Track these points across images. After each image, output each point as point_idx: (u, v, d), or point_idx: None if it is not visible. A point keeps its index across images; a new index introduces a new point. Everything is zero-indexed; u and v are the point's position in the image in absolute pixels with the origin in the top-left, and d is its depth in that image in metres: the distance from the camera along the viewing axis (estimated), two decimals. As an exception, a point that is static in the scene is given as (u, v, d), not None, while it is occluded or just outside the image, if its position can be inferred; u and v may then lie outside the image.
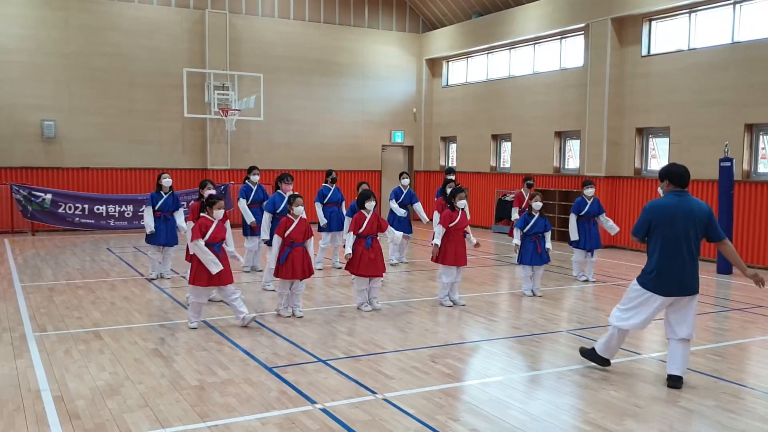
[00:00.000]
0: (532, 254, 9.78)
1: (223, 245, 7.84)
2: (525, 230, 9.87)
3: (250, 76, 18.90)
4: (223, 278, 7.59)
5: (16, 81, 16.88)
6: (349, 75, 20.99)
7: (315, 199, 12.08)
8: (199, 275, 7.54)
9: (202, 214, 7.79)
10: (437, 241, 8.89)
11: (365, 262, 8.56)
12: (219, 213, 7.72)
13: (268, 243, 9.93)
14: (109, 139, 17.89)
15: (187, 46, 18.66)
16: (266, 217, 9.89)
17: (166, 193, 10.70)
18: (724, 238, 5.95)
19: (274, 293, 9.80)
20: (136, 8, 18.08)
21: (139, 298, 9.49)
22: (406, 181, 12.82)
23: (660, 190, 6.04)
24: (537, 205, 9.88)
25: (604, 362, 6.34)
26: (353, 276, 8.82)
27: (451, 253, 8.86)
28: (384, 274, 8.98)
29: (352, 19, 21.05)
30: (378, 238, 8.86)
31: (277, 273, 8.17)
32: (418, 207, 12.82)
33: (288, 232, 8.07)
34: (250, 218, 10.94)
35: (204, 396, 5.55)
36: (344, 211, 11.66)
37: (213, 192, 8.97)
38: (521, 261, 9.94)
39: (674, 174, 5.87)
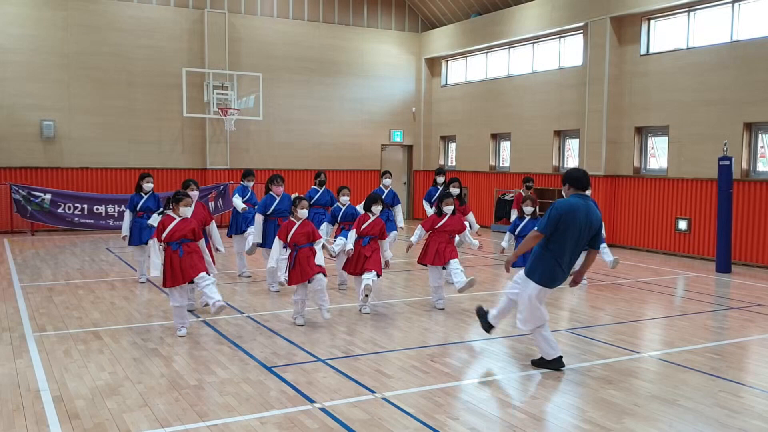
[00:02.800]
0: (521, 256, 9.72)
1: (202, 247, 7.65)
2: (516, 233, 9.81)
3: (249, 76, 18.91)
4: (186, 274, 7.28)
5: (16, 81, 16.88)
6: (349, 74, 20.99)
7: None
8: (167, 277, 7.28)
9: (167, 211, 7.55)
10: (414, 239, 9.05)
11: (359, 261, 8.56)
12: (184, 210, 7.45)
13: (260, 245, 9.89)
14: (108, 138, 17.90)
15: (187, 46, 18.67)
16: (258, 218, 9.77)
17: (146, 194, 10.52)
18: (599, 247, 6.53)
19: (276, 295, 9.82)
20: (135, 8, 18.08)
21: (139, 298, 9.50)
22: (387, 181, 12.01)
23: (563, 193, 6.44)
24: (528, 209, 9.78)
25: (489, 327, 6.94)
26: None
27: (431, 252, 8.83)
28: (380, 275, 8.86)
29: (351, 19, 21.05)
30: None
31: (291, 281, 7.85)
32: (398, 209, 11.79)
33: (290, 236, 7.84)
34: (240, 206, 10.70)
35: (203, 395, 5.56)
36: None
37: (196, 192, 8.90)
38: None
39: (573, 178, 6.33)
